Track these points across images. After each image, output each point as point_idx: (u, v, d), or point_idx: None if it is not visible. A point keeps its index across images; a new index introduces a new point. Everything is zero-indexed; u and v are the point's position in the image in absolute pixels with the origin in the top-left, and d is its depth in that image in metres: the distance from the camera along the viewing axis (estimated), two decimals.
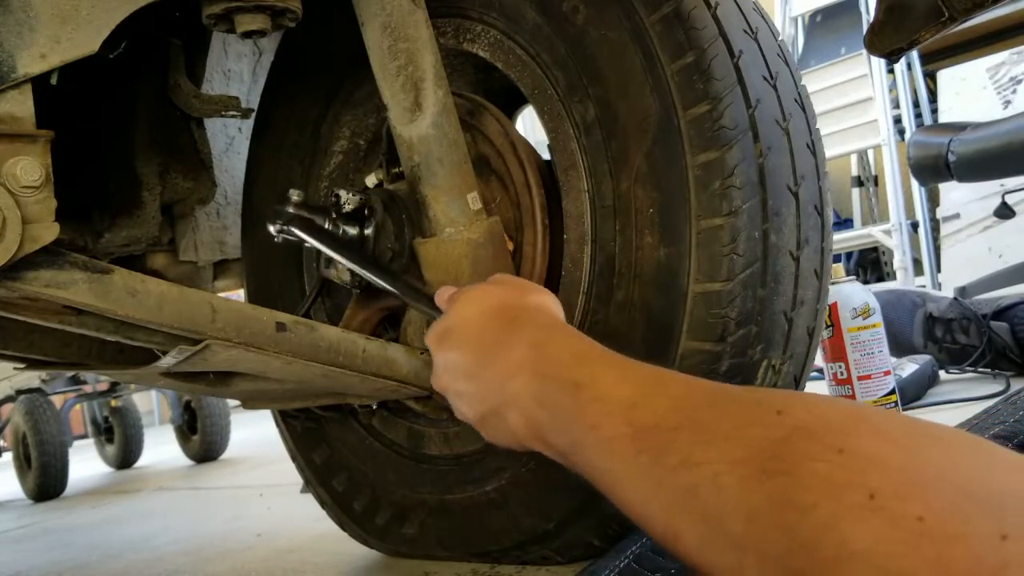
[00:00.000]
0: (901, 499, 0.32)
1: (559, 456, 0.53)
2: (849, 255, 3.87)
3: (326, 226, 0.88)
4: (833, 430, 0.36)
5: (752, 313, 0.74)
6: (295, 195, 0.89)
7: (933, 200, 3.32)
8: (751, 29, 0.79)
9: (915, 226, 3.35)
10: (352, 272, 0.95)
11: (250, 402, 1.01)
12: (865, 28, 0.68)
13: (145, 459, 3.78)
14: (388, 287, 0.85)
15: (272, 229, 0.90)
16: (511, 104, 1.05)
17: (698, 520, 0.39)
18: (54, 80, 0.68)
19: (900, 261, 3.26)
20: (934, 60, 3.59)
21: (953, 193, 2.96)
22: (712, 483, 0.39)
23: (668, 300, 0.75)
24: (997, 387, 1.45)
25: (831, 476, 0.34)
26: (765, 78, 0.78)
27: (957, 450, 0.34)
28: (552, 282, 0.89)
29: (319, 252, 0.93)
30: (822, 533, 0.33)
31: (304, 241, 0.90)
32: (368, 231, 0.90)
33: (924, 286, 3.25)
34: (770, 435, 0.38)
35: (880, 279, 3.81)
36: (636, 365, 0.52)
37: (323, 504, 1.12)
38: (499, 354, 0.57)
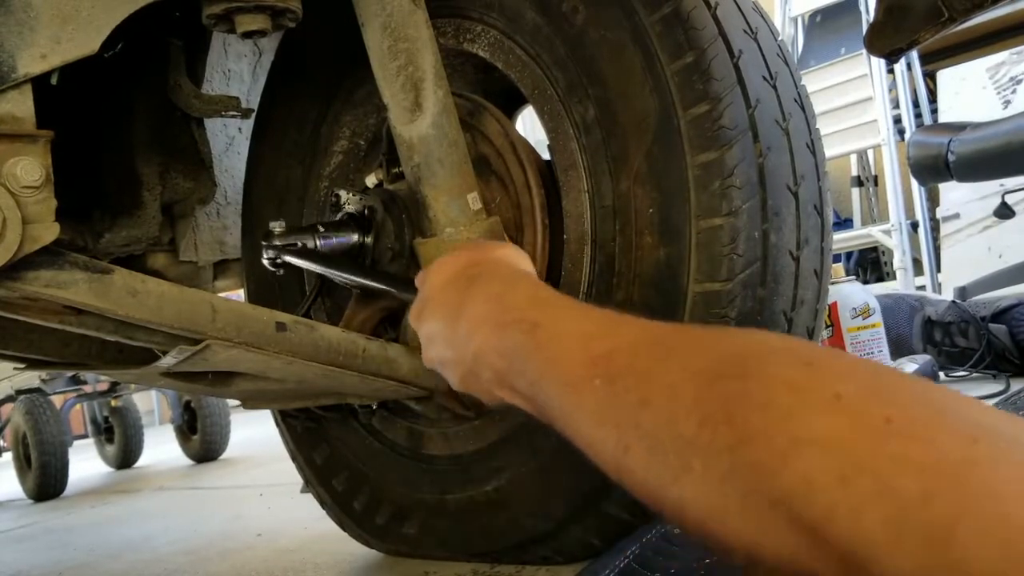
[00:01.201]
0: (869, 402, 0.30)
1: (528, 404, 0.52)
2: (849, 255, 3.87)
3: (315, 244, 0.89)
4: (803, 349, 0.35)
5: (752, 313, 0.74)
6: (277, 227, 0.90)
7: (933, 200, 3.32)
8: (751, 29, 0.79)
9: (915, 226, 3.35)
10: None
11: (250, 402, 1.01)
12: (865, 28, 0.68)
13: (145, 459, 3.78)
14: (386, 288, 0.85)
15: (265, 262, 0.90)
16: (511, 104, 1.05)
17: (648, 429, 0.38)
18: (54, 80, 0.68)
19: (900, 261, 3.26)
20: (934, 60, 3.59)
21: (953, 193, 2.96)
22: (667, 392, 0.37)
23: (668, 300, 0.75)
24: (997, 387, 1.45)
25: (795, 379, 0.32)
26: (765, 78, 0.78)
27: (929, 383, 0.33)
28: (552, 282, 0.89)
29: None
30: (777, 425, 0.31)
31: (301, 265, 0.90)
32: (367, 239, 0.91)
33: (924, 286, 3.25)
34: (734, 348, 0.37)
35: (880, 279, 3.81)
36: (596, 307, 0.51)
37: (323, 504, 1.12)
38: (462, 313, 0.57)
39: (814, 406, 0.31)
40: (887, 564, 0.27)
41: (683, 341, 0.41)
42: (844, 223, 3.80)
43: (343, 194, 0.89)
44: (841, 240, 3.45)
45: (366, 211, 0.90)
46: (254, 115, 1.17)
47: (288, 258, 0.88)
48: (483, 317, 0.55)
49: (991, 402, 0.99)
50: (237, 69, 1.31)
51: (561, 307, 0.52)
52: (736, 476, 0.33)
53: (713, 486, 0.34)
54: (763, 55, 0.79)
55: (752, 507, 0.32)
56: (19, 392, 3.27)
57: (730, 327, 0.44)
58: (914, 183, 3.15)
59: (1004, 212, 2.04)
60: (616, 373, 0.41)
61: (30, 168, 0.64)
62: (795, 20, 3.74)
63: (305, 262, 0.89)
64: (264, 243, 0.89)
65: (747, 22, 0.79)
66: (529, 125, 1.62)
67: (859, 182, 3.85)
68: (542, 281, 0.61)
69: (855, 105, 3.28)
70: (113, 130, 1.13)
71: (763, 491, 0.32)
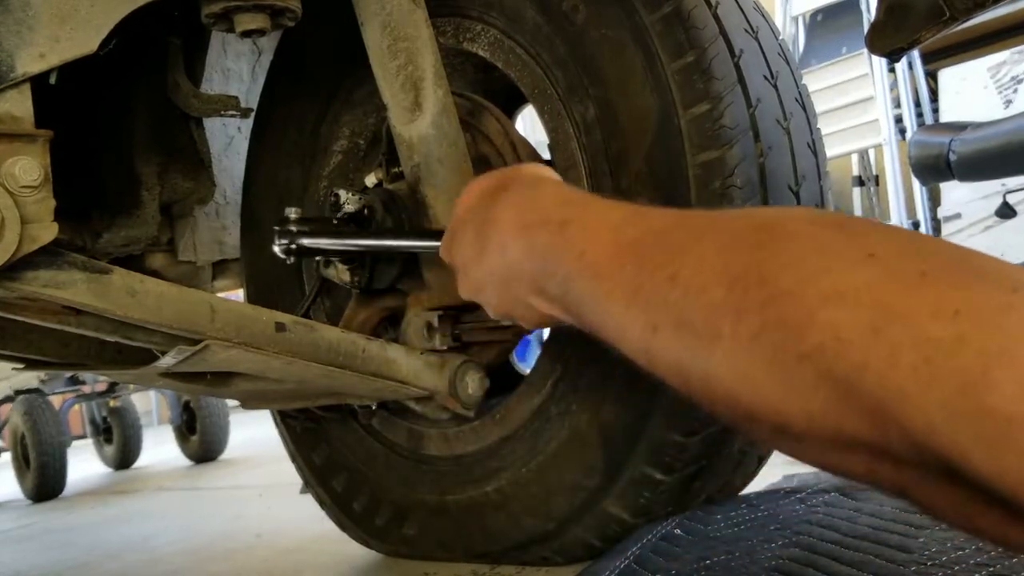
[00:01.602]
0: (903, 258, 0.29)
1: (561, 308, 0.50)
2: None
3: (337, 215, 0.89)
4: (836, 217, 0.34)
5: None
6: (293, 212, 0.89)
7: (934, 199, 3.32)
8: (752, 28, 0.79)
9: (916, 225, 3.35)
10: (352, 272, 0.95)
11: (249, 402, 1.01)
12: (866, 27, 0.69)
13: (144, 459, 3.78)
14: (420, 244, 0.82)
15: (278, 250, 0.89)
16: (511, 104, 1.05)
17: (677, 302, 0.37)
18: (53, 79, 0.68)
19: None
20: (935, 59, 3.59)
21: (954, 192, 2.96)
22: (696, 264, 0.36)
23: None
24: None
25: (827, 241, 0.32)
26: (766, 77, 0.78)
27: (969, 249, 0.32)
28: None
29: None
30: (807, 281, 0.31)
31: (315, 252, 0.90)
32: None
33: None
34: (765, 218, 0.36)
35: None
36: (623, 201, 0.50)
37: (323, 504, 1.12)
38: (491, 228, 0.55)
39: (846, 263, 0.30)
40: (918, 414, 0.26)
41: (713, 221, 0.40)
42: None
43: (343, 194, 0.89)
44: None
45: (366, 211, 0.90)
46: (253, 115, 1.17)
47: (305, 241, 0.88)
48: (511, 224, 0.53)
49: None
50: (236, 68, 1.31)
51: (589, 203, 0.51)
52: (765, 335, 0.32)
53: (742, 349, 0.33)
54: (764, 54, 0.79)
55: (781, 366, 0.31)
56: (18, 392, 3.27)
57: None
58: (915, 183, 3.15)
59: (1006, 212, 2.04)
60: (645, 255, 0.41)
61: (29, 168, 0.64)
62: (796, 19, 3.74)
63: (327, 240, 0.87)
64: (278, 229, 0.88)
65: (748, 21, 0.79)
66: (529, 125, 1.62)
67: (860, 182, 3.85)
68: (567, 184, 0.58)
69: (856, 104, 3.28)
70: (112, 130, 1.12)
71: (792, 348, 0.31)
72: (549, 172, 0.64)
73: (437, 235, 0.75)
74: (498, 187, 0.58)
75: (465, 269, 0.59)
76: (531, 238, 0.51)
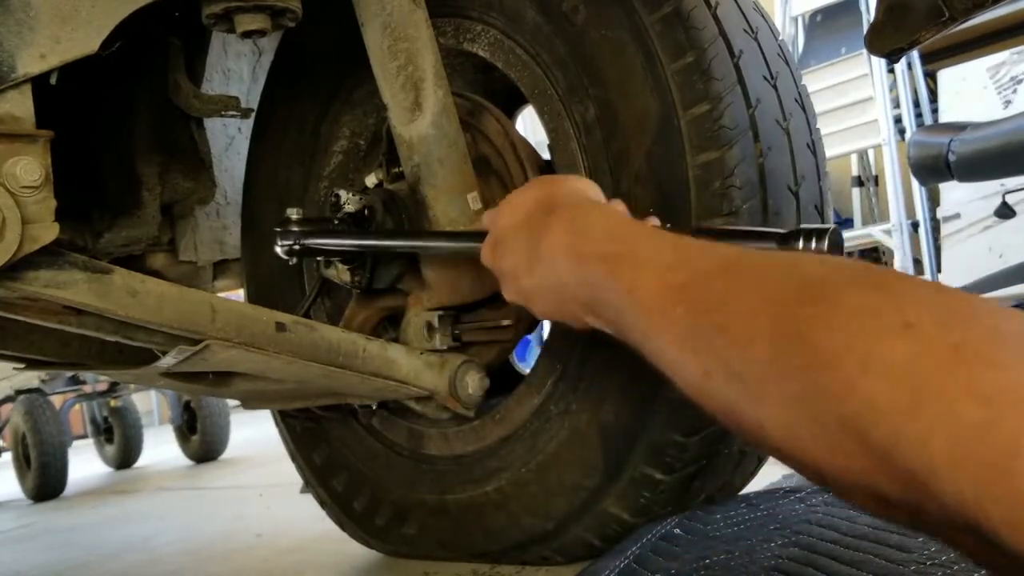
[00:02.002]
0: (939, 328, 0.30)
1: (615, 330, 0.54)
2: (850, 255, 3.87)
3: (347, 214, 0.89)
4: (875, 275, 0.36)
5: None
6: (295, 213, 0.89)
7: (933, 200, 3.32)
8: (751, 29, 0.79)
9: (915, 226, 3.35)
10: (352, 272, 0.95)
11: (250, 402, 1.01)
12: (865, 28, 0.69)
13: (144, 459, 3.78)
14: (448, 246, 0.82)
15: (280, 251, 0.89)
16: (511, 104, 1.05)
17: (727, 354, 0.39)
18: (54, 80, 0.68)
19: (900, 261, 3.26)
20: (934, 60, 3.59)
21: (953, 193, 2.96)
22: (744, 318, 0.38)
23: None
24: None
25: (866, 305, 0.33)
26: (765, 78, 0.78)
27: (1005, 309, 0.33)
28: None
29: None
30: (847, 350, 0.32)
31: (317, 252, 0.90)
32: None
33: None
34: (808, 274, 0.37)
35: None
36: (671, 234, 0.52)
37: (323, 504, 1.12)
38: (543, 246, 0.58)
39: (884, 332, 0.31)
40: (949, 489, 0.27)
41: (758, 268, 0.41)
42: (845, 223, 3.80)
43: (343, 194, 0.89)
44: None
45: (366, 211, 0.90)
46: (254, 115, 1.17)
47: (310, 241, 0.88)
48: (564, 249, 0.56)
49: None
50: (237, 69, 1.31)
51: (637, 237, 0.53)
52: (807, 398, 0.34)
53: (787, 408, 0.35)
54: (763, 55, 0.79)
55: (822, 428, 0.33)
56: (19, 392, 3.27)
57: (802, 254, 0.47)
58: (915, 183, 3.15)
59: (1005, 212, 2.04)
60: (695, 299, 0.43)
61: (30, 168, 0.64)
62: (795, 20, 3.74)
63: (334, 240, 0.88)
64: (280, 230, 0.88)
65: (747, 22, 0.79)
66: (529, 125, 1.62)
67: (860, 182, 3.85)
68: (615, 208, 0.62)
69: (855, 105, 3.28)
70: (113, 130, 1.13)
71: (833, 412, 0.32)
72: (594, 190, 0.66)
73: (471, 237, 0.77)
74: (546, 205, 0.61)
75: (514, 277, 0.63)
76: (584, 268, 0.54)
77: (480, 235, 0.71)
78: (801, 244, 0.58)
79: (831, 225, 0.60)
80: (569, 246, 0.56)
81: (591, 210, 0.59)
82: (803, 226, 0.60)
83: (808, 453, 0.35)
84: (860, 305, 0.33)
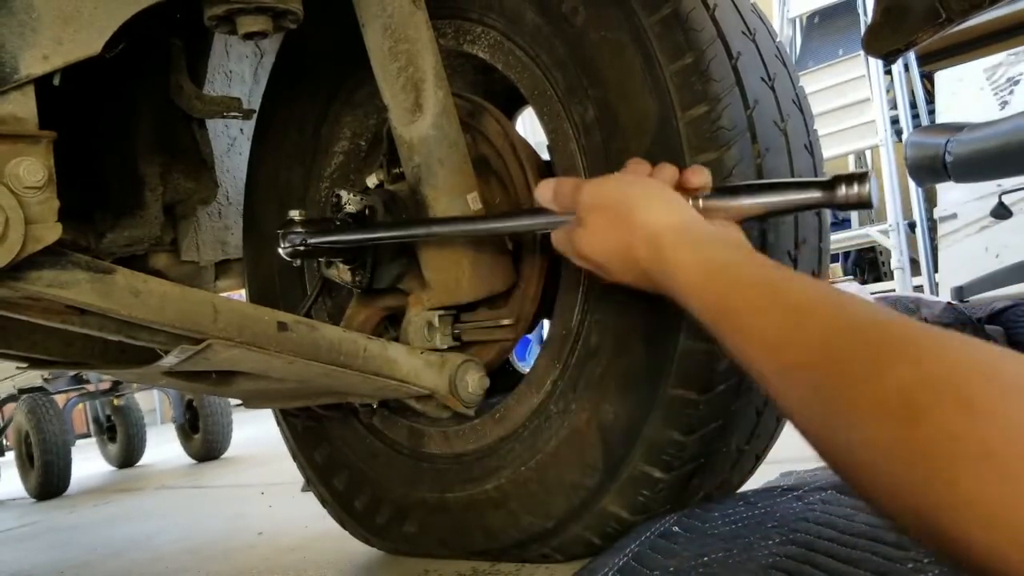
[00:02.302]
0: (1018, 461, 0.33)
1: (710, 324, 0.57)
2: (847, 255, 3.87)
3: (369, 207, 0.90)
4: (960, 383, 0.37)
5: None
6: (297, 214, 0.90)
7: (930, 200, 3.32)
8: (749, 31, 0.79)
9: (912, 226, 3.35)
10: (353, 272, 0.95)
11: (252, 401, 1.02)
12: (863, 29, 0.69)
13: (147, 458, 3.79)
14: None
15: (284, 253, 0.90)
16: (511, 105, 1.06)
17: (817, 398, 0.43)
18: (56, 81, 0.69)
19: (897, 261, 3.27)
20: (931, 61, 3.59)
21: (950, 193, 2.96)
22: (844, 425, 0.41)
23: (667, 299, 0.75)
24: None
25: (954, 430, 0.35)
26: (763, 79, 0.78)
27: None
28: (551, 281, 0.89)
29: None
30: (934, 476, 0.35)
31: (322, 252, 0.90)
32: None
33: (921, 286, 3.26)
34: (900, 382, 0.39)
35: (878, 279, 3.81)
36: (774, 269, 0.55)
37: (324, 503, 1.12)
38: (635, 243, 0.63)
39: (968, 462, 0.34)
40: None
41: (855, 356, 0.43)
42: (842, 223, 3.80)
43: (344, 194, 0.90)
44: (839, 240, 3.46)
45: (367, 211, 0.90)
46: (255, 116, 1.18)
47: (317, 240, 0.88)
48: (671, 236, 0.61)
49: None
50: (239, 70, 1.31)
51: (685, 248, 0.59)
52: (901, 482, 0.38)
53: (877, 464, 0.39)
54: (761, 56, 0.79)
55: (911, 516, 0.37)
56: (22, 391, 3.28)
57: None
58: (911, 183, 3.15)
59: (1001, 212, 2.05)
60: (800, 367, 0.46)
61: (32, 169, 0.65)
62: (793, 21, 3.74)
63: (344, 236, 0.88)
64: (282, 232, 0.89)
65: (745, 23, 0.79)
66: (529, 126, 1.62)
67: None
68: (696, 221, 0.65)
69: (853, 106, 3.29)
70: (115, 131, 1.13)
71: (918, 503, 0.36)
72: (670, 194, 0.67)
73: (469, 221, 0.81)
74: (631, 200, 0.65)
75: (595, 254, 0.67)
76: (654, 268, 0.61)
77: (479, 219, 0.72)
78: (844, 190, 0.62)
79: (865, 170, 0.64)
80: (651, 244, 0.61)
81: (667, 207, 0.64)
82: (839, 174, 0.64)
83: (893, 517, 0.39)
84: (947, 428, 0.35)
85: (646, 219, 0.62)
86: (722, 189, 0.68)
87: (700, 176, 0.68)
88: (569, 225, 0.70)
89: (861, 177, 0.62)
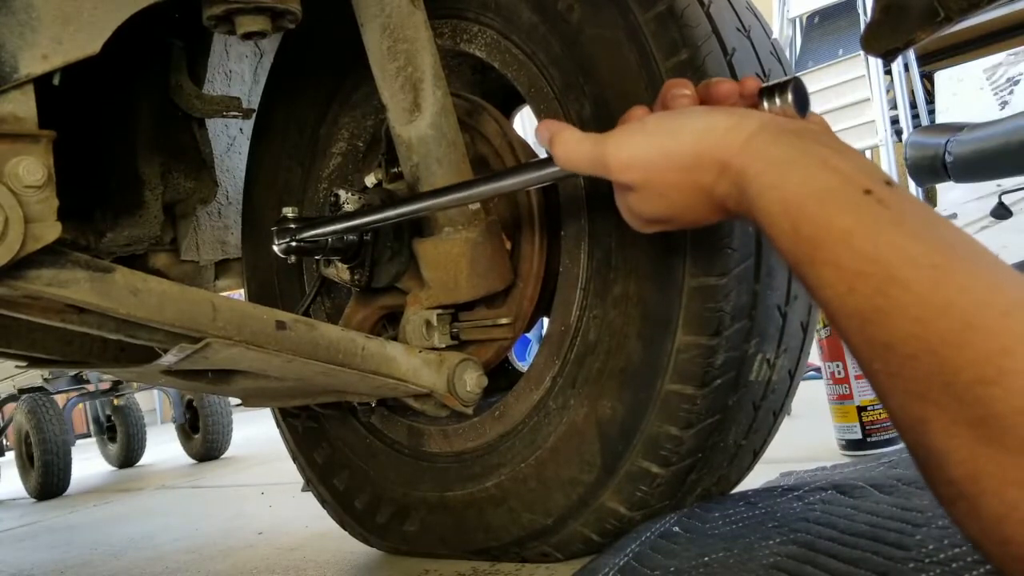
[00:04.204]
0: None
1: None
2: None
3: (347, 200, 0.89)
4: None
5: (747, 307, 0.75)
6: (290, 211, 0.90)
7: (931, 200, 3.32)
8: (744, 27, 0.79)
9: None
10: (352, 271, 0.95)
11: (251, 400, 1.02)
12: (863, 29, 0.69)
13: (147, 458, 3.79)
14: (435, 203, 0.78)
15: (278, 249, 0.90)
16: (508, 104, 1.06)
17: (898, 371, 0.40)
18: (56, 81, 0.69)
19: None
20: (931, 61, 3.59)
21: (950, 193, 2.97)
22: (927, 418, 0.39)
23: (664, 294, 0.76)
24: None
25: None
26: (758, 75, 0.78)
27: None
28: (550, 278, 0.89)
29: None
30: (1003, 518, 0.35)
31: (314, 247, 0.90)
32: (367, 238, 0.91)
33: None
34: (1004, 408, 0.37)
35: None
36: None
37: (324, 502, 1.12)
38: (696, 192, 0.55)
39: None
40: None
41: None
42: None
43: (342, 194, 0.90)
44: None
45: (365, 210, 0.90)
46: (255, 116, 1.18)
47: (310, 232, 0.88)
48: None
49: None
50: (238, 70, 1.32)
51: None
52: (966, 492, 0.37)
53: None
54: (756, 53, 0.79)
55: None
56: (22, 391, 3.28)
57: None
58: (912, 183, 3.15)
59: (1001, 212, 2.05)
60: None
61: (32, 168, 0.65)
62: (793, 21, 3.75)
63: (335, 227, 0.87)
64: (276, 228, 0.89)
65: (740, 20, 0.79)
66: (528, 125, 1.63)
67: None
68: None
69: (853, 106, 3.29)
70: (115, 130, 1.13)
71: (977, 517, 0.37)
72: (713, 115, 0.57)
73: (464, 186, 0.76)
74: (678, 142, 0.56)
75: (661, 212, 0.60)
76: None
77: (470, 182, 0.69)
78: (766, 105, 0.55)
79: (790, 77, 0.57)
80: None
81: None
82: (767, 85, 0.57)
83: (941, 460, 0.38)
84: (1015, 479, 0.35)
85: (710, 152, 0.53)
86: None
87: (752, 81, 0.59)
88: (618, 196, 0.63)
89: (782, 88, 0.55)
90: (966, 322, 0.37)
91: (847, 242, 0.43)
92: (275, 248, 0.90)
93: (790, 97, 0.55)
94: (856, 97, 3.27)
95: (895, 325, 0.40)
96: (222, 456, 3.30)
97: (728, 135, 0.52)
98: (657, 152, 0.56)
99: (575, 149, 0.62)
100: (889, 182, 0.46)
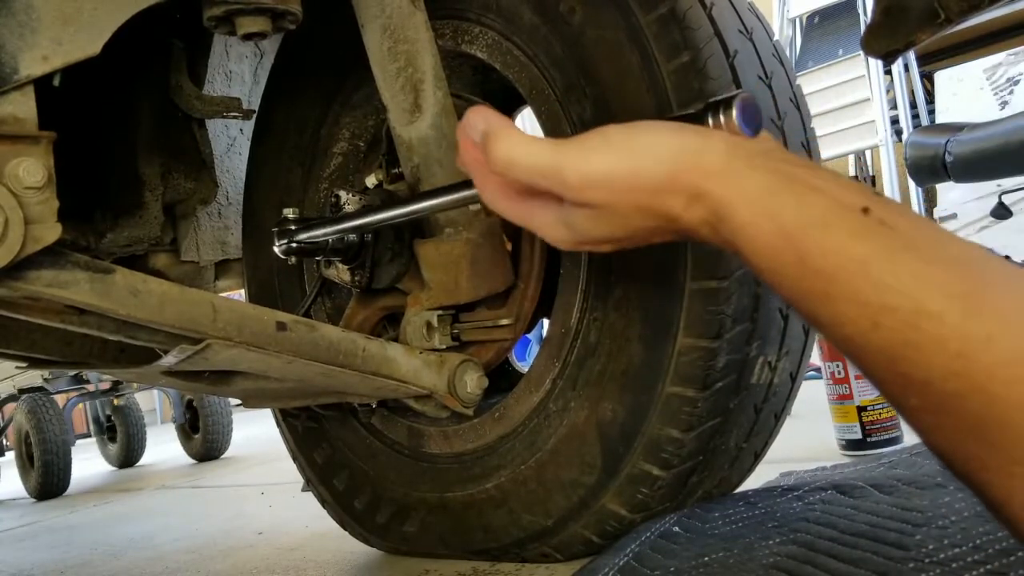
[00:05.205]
0: None
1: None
2: None
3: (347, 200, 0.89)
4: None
5: (748, 310, 0.75)
6: (291, 212, 0.90)
7: (930, 200, 3.32)
8: (746, 29, 0.79)
9: None
10: (352, 272, 0.95)
11: (251, 400, 1.02)
12: (863, 29, 0.69)
13: (147, 458, 3.79)
14: (425, 206, 0.76)
15: (279, 251, 0.90)
16: (509, 105, 1.06)
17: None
18: (56, 82, 0.69)
19: None
20: (931, 61, 3.59)
21: (950, 193, 2.97)
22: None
23: (665, 297, 0.76)
24: None
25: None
26: (760, 77, 0.78)
27: None
28: (551, 280, 0.89)
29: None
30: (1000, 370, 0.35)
31: (314, 247, 0.90)
32: (367, 238, 0.91)
33: None
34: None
35: None
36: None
37: (324, 503, 1.12)
38: (658, 213, 0.50)
39: None
40: None
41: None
42: None
43: (343, 194, 0.90)
44: None
45: (366, 211, 0.90)
46: (255, 116, 1.18)
47: (309, 233, 0.87)
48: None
49: None
50: (238, 70, 1.32)
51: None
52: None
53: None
54: (758, 55, 0.79)
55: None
56: (22, 391, 3.28)
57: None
58: (912, 183, 3.15)
59: (1001, 212, 2.05)
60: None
61: (32, 169, 0.65)
62: (793, 21, 3.74)
63: (331, 228, 0.87)
64: (277, 230, 0.89)
65: (742, 22, 0.79)
66: (529, 126, 1.63)
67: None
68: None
69: (853, 106, 3.29)
70: (115, 131, 1.13)
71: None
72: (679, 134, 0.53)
73: (462, 187, 0.71)
74: (642, 158, 0.51)
75: (614, 233, 0.54)
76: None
77: (467, 184, 0.65)
78: (711, 122, 0.51)
79: (739, 92, 0.52)
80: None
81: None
82: (709, 100, 0.52)
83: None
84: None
85: (685, 176, 0.48)
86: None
87: None
88: (558, 213, 0.55)
89: (726, 104, 0.50)
90: (1015, 356, 0.35)
91: (865, 274, 0.40)
92: (275, 249, 0.90)
93: (734, 113, 0.50)
94: (856, 97, 3.27)
95: (933, 362, 0.37)
96: (222, 456, 3.30)
97: (703, 157, 0.48)
98: (626, 171, 0.50)
99: (526, 152, 0.53)
100: (876, 194, 0.44)
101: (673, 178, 0.48)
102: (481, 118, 0.57)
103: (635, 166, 0.50)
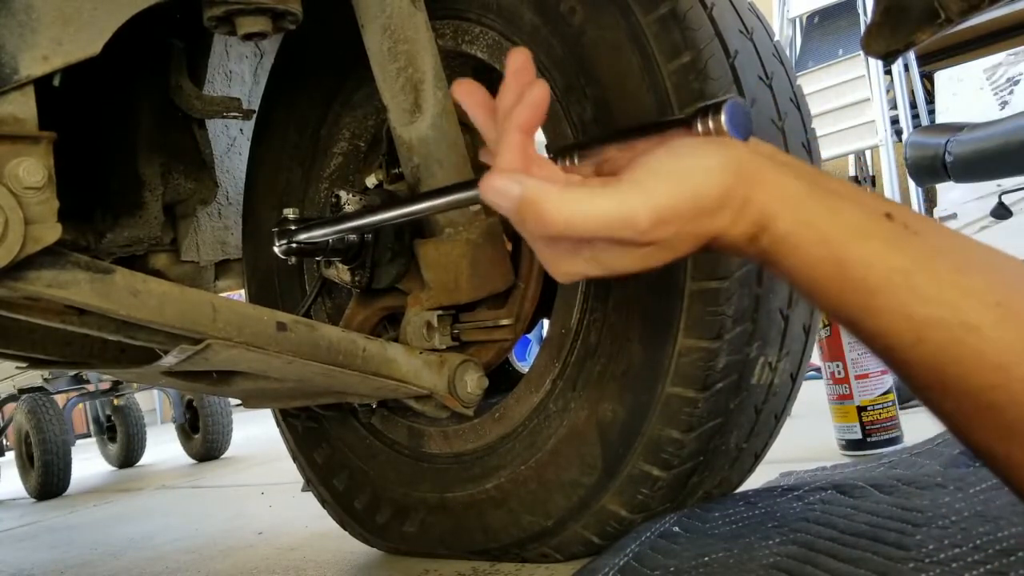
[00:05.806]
0: None
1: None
2: None
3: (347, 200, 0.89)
4: None
5: (748, 311, 0.75)
6: (291, 212, 0.90)
7: (930, 200, 3.32)
8: (747, 29, 0.79)
9: None
10: (352, 272, 0.95)
11: (251, 401, 1.02)
12: (863, 29, 0.69)
13: (147, 458, 3.79)
14: (426, 206, 0.73)
15: (278, 251, 0.89)
16: None
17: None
18: (56, 82, 0.69)
19: None
20: (931, 61, 3.59)
21: (950, 193, 2.97)
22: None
23: (666, 298, 0.76)
24: None
25: None
26: (760, 78, 0.78)
27: None
28: (550, 281, 0.89)
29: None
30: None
31: (314, 247, 0.90)
32: (367, 238, 0.90)
33: None
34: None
35: None
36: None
37: (324, 503, 1.12)
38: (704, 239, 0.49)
39: None
40: None
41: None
42: None
43: (343, 195, 0.90)
44: None
45: (366, 211, 0.90)
46: (255, 116, 1.18)
47: (310, 232, 0.87)
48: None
49: None
50: (238, 70, 1.32)
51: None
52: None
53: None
54: (759, 55, 0.79)
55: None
56: (22, 391, 3.28)
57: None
58: (911, 183, 3.15)
59: (1001, 212, 2.05)
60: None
61: (32, 169, 0.65)
62: (793, 21, 3.74)
63: (331, 228, 0.86)
64: (277, 230, 0.88)
65: (743, 22, 0.79)
66: None
67: (857, 182, 3.85)
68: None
69: (853, 106, 3.29)
70: (115, 131, 1.13)
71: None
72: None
73: (464, 187, 0.68)
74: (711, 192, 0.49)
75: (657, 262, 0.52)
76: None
77: (471, 183, 0.63)
78: (700, 127, 0.49)
79: (728, 97, 0.51)
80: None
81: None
82: (698, 105, 0.51)
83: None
84: None
85: (736, 189, 0.46)
86: (589, 141, 0.57)
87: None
88: (587, 252, 0.51)
89: (715, 108, 0.49)
90: None
91: (910, 286, 0.39)
92: (275, 249, 0.90)
93: (723, 118, 0.49)
94: (856, 97, 3.27)
95: (974, 375, 0.37)
96: (222, 456, 3.30)
97: (743, 167, 0.46)
98: (688, 197, 0.46)
99: (585, 210, 0.47)
100: (885, 198, 0.44)
101: (726, 193, 0.46)
102: (514, 182, 0.50)
103: (693, 191, 0.47)
